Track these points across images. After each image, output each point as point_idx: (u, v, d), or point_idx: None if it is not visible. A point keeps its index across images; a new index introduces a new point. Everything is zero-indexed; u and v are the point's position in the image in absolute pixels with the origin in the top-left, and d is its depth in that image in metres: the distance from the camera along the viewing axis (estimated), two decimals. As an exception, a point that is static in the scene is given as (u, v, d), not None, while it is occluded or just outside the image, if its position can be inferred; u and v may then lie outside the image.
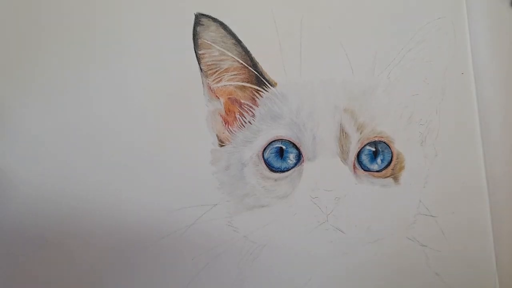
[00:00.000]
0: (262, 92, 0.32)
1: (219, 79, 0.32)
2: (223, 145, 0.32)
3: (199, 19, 0.31)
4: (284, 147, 0.31)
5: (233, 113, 0.32)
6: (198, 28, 0.31)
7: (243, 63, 0.31)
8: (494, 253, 0.33)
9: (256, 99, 0.32)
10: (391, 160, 0.32)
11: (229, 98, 0.32)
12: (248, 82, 0.32)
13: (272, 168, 0.31)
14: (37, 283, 0.31)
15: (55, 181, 0.31)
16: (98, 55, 0.32)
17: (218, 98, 0.32)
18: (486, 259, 0.33)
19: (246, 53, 0.31)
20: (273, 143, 0.31)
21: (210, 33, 0.31)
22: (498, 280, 0.33)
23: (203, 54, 0.31)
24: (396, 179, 0.32)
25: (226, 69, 0.31)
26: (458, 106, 0.34)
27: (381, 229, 0.33)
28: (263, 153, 0.31)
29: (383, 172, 0.32)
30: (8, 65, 0.32)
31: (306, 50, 0.32)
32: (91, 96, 0.32)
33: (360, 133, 0.31)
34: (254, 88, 0.32)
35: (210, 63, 0.31)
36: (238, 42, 0.31)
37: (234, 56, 0.31)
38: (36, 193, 0.31)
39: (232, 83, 0.32)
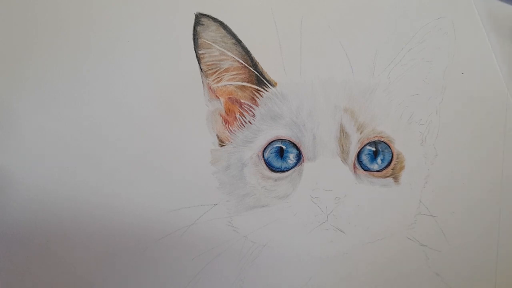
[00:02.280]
0: (262, 92, 0.32)
1: (219, 79, 0.32)
2: (223, 145, 0.32)
3: (199, 19, 0.31)
4: (284, 147, 0.31)
5: (233, 113, 0.32)
6: (198, 28, 0.31)
7: (243, 63, 0.31)
8: (494, 253, 0.33)
9: (256, 99, 0.32)
10: (391, 160, 0.32)
11: (229, 98, 0.32)
12: (248, 82, 0.32)
13: (272, 168, 0.31)
14: (37, 284, 0.31)
15: (55, 181, 0.31)
16: (98, 56, 0.32)
17: (218, 98, 0.32)
18: (486, 259, 0.33)
19: (246, 53, 0.31)
20: (273, 143, 0.31)
21: (210, 33, 0.31)
22: (498, 280, 0.33)
23: (203, 54, 0.31)
24: (396, 179, 0.32)
25: (226, 69, 0.31)
26: (458, 106, 0.34)
27: (381, 229, 0.33)
28: (263, 153, 0.31)
29: (383, 172, 0.32)
30: (8, 65, 0.32)
31: (306, 50, 0.32)
32: (91, 97, 0.32)
33: (360, 133, 0.31)
34: (254, 88, 0.32)
35: (210, 63, 0.31)
36: (238, 42, 0.31)
37: (234, 56, 0.31)
38: (36, 194, 0.31)
39: (232, 83, 0.32)
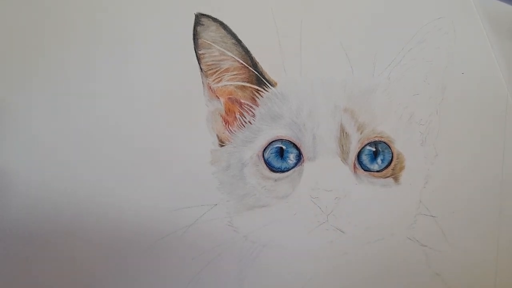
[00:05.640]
0: (262, 92, 0.32)
1: (219, 79, 0.32)
2: (223, 145, 0.32)
3: (199, 19, 0.31)
4: (284, 147, 0.31)
5: (233, 113, 0.32)
6: (198, 28, 0.31)
7: (243, 63, 0.31)
8: (494, 253, 0.33)
9: (256, 99, 0.32)
10: (391, 160, 0.32)
11: (229, 98, 0.32)
12: (248, 82, 0.32)
13: (272, 168, 0.31)
14: (37, 284, 0.31)
15: (55, 181, 0.31)
16: (98, 56, 0.32)
17: (218, 98, 0.32)
18: (486, 259, 0.33)
19: (246, 53, 0.31)
20: (273, 143, 0.31)
21: (210, 33, 0.31)
22: (498, 280, 0.33)
23: (203, 54, 0.31)
24: (396, 179, 0.32)
25: (226, 69, 0.31)
26: (458, 106, 0.34)
27: (381, 229, 0.33)
28: (263, 153, 0.31)
29: (383, 172, 0.32)
30: (8, 65, 0.32)
31: (306, 50, 0.32)
32: (91, 96, 0.32)
33: (360, 133, 0.31)
34: (254, 88, 0.32)
35: (210, 63, 0.31)
36: (238, 42, 0.31)
37: (234, 56, 0.31)
38: (36, 193, 0.31)
39: (232, 83, 0.32)
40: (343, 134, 0.31)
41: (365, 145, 0.31)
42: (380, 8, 0.34)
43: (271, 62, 0.32)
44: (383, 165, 0.32)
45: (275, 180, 0.31)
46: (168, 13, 0.32)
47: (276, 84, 0.32)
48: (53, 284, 0.31)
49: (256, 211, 0.32)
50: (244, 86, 0.32)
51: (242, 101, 0.32)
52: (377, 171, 0.32)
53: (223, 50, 0.31)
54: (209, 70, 0.31)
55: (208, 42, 0.31)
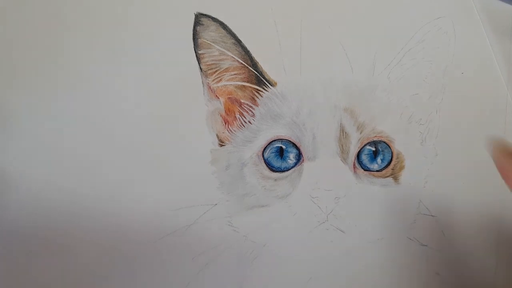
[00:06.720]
0: (262, 91, 0.32)
1: (219, 78, 0.32)
2: (223, 145, 0.32)
3: (199, 18, 0.31)
4: (284, 146, 0.31)
5: (233, 112, 0.32)
6: (198, 28, 0.31)
7: (243, 62, 0.31)
8: (494, 252, 0.33)
9: (256, 98, 0.32)
10: (391, 159, 0.32)
11: (229, 97, 0.32)
12: (248, 82, 0.32)
13: (272, 168, 0.31)
14: (37, 283, 0.31)
15: (55, 181, 0.31)
16: (98, 55, 0.32)
17: (218, 98, 0.32)
18: (486, 259, 0.33)
19: (246, 53, 0.31)
20: (273, 142, 0.31)
21: (210, 33, 0.31)
22: (498, 280, 0.33)
23: (203, 54, 0.31)
24: (396, 178, 0.32)
25: (226, 68, 0.31)
26: (458, 106, 0.34)
27: (381, 229, 0.33)
28: (263, 153, 0.31)
29: (383, 171, 0.32)
30: (8, 65, 0.32)
31: (306, 50, 0.32)
32: (91, 96, 0.32)
33: (360, 133, 0.31)
34: (254, 88, 0.32)
35: (210, 62, 0.31)
36: (238, 41, 0.31)
37: (234, 56, 0.31)
38: (36, 193, 0.31)
39: (232, 83, 0.32)
40: (343, 133, 0.31)
41: (365, 145, 0.31)
42: (380, 8, 0.34)
43: (271, 62, 0.32)
44: (383, 165, 0.32)
45: (275, 180, 0.31)
46: (168, 13, 0.32)
47: (276, 84, 0.32)
48: (53, 284, 0.31)
49: (256, 211, 0.32)
50: (244, 86, 0.32)
51: (242, 101, 0.32)
52: (377, 171, 0.32)
53: (223, 50, 0.31)
54: (209, 70, 0.31)
55: (208, 42, 0.31)
